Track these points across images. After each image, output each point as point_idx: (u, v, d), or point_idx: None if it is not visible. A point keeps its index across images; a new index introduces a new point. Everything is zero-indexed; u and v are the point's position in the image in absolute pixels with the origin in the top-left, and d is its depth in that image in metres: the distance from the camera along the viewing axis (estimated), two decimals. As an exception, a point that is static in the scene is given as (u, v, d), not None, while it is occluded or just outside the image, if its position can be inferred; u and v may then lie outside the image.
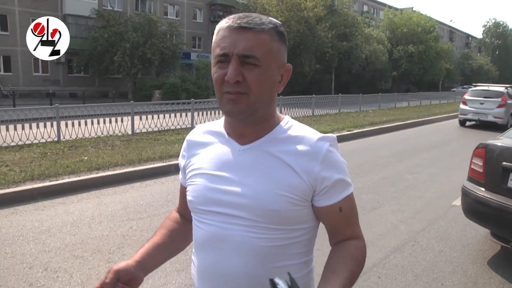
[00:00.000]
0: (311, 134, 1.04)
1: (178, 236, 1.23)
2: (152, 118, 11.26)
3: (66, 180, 5.86)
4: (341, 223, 1.07)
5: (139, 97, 24.00)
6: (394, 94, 25.82)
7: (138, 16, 28.04)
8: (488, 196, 3.62)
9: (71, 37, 25.09)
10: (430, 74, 49.03)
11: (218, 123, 1.13)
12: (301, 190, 1.00)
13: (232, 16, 0.97)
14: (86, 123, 9.82)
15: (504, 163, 3.55)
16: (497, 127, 13.67)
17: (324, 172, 1.00)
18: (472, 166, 3.97)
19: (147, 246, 1.16)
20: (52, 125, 9.20)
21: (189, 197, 1.09)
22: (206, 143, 1.11)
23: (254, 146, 1.03)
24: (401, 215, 5.01)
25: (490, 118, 14.24)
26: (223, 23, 0.97)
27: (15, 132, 8.46)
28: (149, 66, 27.02)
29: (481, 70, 69.66)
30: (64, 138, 9.24)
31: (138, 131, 10.73)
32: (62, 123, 9.39)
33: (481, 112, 14.46)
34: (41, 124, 9.00)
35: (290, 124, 1.07)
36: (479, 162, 3.84)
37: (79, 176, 6.08)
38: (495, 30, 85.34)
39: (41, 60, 27.37)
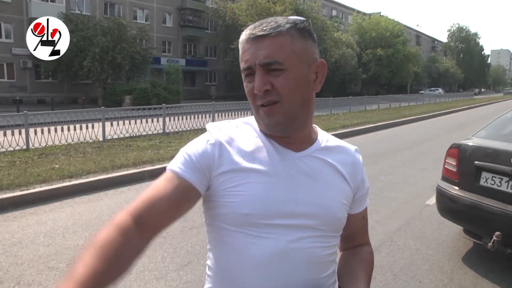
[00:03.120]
0: (348, 145, 1.11)
1: (129, 263, 0.86)
2: (124, 124, 11.07)
3: (38, 189, 5.67)
4: (361, 230, 1.15)
5: (110, 102, 23.56)
6: (364, 97, 26.36)
7: (107, 20, 27.52)
8: (462, 194, 3.73)
9: (37, 42, 24.24)
10: (399, 77, 50.36)
11: (250, 126, 1.03)
12: (350, 197, 1.06)
13: (249, 27, 0.95)
14: (56, 130, 9.54)
15: (476, 162, 3.66)
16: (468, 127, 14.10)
17: (362, 181, 1.09)
18: (446, 166, 4.08)
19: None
20: (20, 133, 8.89)
21: (243, 210, 0.93)
22: (251, 147, 0.98)
23: (309, 154, 1.01)
24: (377, 216, 5.09)
25: None
26: (242, 36, 0.95)
27: (-19, 141, 8.14)
28: (119, 71, 26.56)
29: (447, 73, 72.26)
30: (33, 146, 8.94)
31: (109, 137, 10.52)
32: (31, 130, 9.08)
33: None
34: (9, 132, 8.68)
35: (326, 134, 1.10)
36: (452, 161, 3.95)
37: (51, 185, 5.89)
38: (459, 35, 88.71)
39: (7, 65, 26.54)
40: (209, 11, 36.48)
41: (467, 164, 3.78)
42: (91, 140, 10.06)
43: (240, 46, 0.96)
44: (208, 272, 1.05)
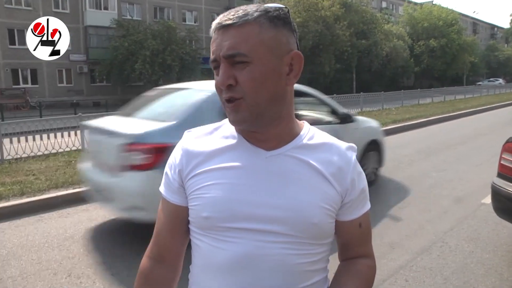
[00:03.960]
0: (338, 142, 0.99)
1: None
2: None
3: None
4: (357, 240, 1.02)
5: (161, 103, 24.27)
6: (417, 91, 25.36)
7: (157, 24, 28.43)
8: (521, 193, 3.45)
9: (92, 47, 25.70)
10: (454, 68, 47.96)
11: (225, 126, 0.98)
12: (336, 202, 0.94)
13: (219, 16, 0.89)
14: (108, 131, 9.92)
15: (536, 157, 3.38)
16: None
17: (353, 184, 0.96)
18: (502, 162, 3.80)
19: None
20: (76, 134, 9.37)
21: (204, 213, 0.90)
22: (218, 148, 0.94)
23: (283, 152, 0.92)
24: (428, 215, 4.86)
25: None
26: (212, 26, 0.89)
27: (41, 142, 8.64)
28: (170, 73, 27.32)
29: (509, 62, 67.61)
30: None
31: (159, 137, 10.80)
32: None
33: None
34: (66, 133, 9.17)
35: (313, 131, 0.99)
36: (509, 157, 3.67)
37: (102, 184, 6.14)
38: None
39: (65, 71, 28.14)
40: (257, 10, 36.63)
41: (526, 160, 3.49)
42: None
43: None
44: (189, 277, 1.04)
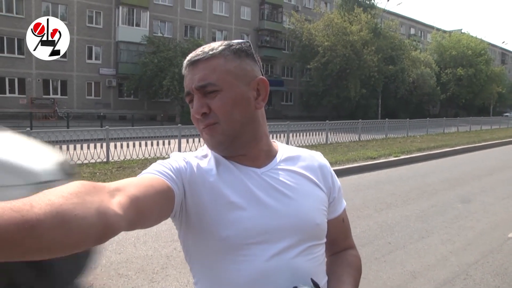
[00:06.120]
0: (309, 151, 1.11)
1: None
2: (199, 141, 11.48)
3: (114, 199, 6.03)
4: (342, 234, 1.13)
5: (187, 120, 24.59)
6: (442, 119, 25.00)
7: (187, 42, 29.08)
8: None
9: (122, 62, 26.37)
10: (480, 98, 47.15)
11: (212, 154, 1.00)
12: (326, 202, 1.04)
13: (189, 54, 0.97)
14: (134, 145, 10.15)
15: None
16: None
17: (333, 183, 1.08)
18: (530, 196, 3.75)
19: None
20: (102, 146, 9.60)
21: (223, 233, 0.89)
22: (215, 170, 0.95)
23: (273, 166, 0.99)
24: (452, 246, 4.75)
25: None
26: (183, 64, 0.97)
27: (68, 152, 8.89)
28: (197, 90, 27.79)
29: (537, 94, 66.08)
30: (112, 159, 9.59)
31: (183, 153, 10.93)
32: (111, 144, 9.77)
33: None
34: (92, 145, 9.40)
35: (285, 146, 1.10)
36: (538, 192, 3.65)
37: (126, 196, 6.24)
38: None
39: (94, 84, 29.00)
40: (286, 32, 36.96)
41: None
42: (167, 156, 10.47)
43: None
44: None
